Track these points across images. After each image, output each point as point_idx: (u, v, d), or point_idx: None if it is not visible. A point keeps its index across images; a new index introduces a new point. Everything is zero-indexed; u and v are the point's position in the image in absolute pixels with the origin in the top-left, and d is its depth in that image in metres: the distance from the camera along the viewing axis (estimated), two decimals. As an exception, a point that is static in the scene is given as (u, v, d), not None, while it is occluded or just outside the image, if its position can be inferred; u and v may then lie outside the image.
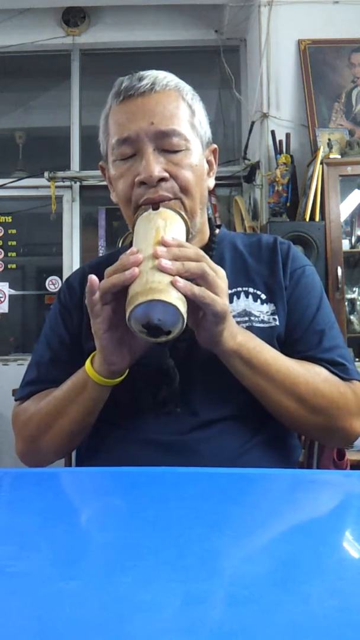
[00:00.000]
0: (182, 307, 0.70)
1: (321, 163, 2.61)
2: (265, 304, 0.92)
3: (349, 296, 2.78)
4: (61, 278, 3.50)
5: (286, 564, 0.47)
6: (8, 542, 0.52)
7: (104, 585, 0.43)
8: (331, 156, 2.66)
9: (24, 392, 0.97)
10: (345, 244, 2.75)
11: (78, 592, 0.42)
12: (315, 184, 2.59)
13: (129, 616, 0.39)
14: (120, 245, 3.45)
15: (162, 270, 0.71)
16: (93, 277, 0.77)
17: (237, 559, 0.50)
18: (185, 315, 0.71)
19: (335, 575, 0.46)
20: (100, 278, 0.81)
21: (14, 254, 3.52)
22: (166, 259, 0.72)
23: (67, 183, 3.45)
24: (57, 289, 3.47)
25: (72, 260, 3.46)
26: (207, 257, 0.76)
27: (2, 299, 3.43)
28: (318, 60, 2.94)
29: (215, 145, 0.97)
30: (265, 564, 0.48)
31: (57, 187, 3.38)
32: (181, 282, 0.71)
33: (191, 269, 0.73)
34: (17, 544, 0.52)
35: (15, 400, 0.99)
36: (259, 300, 0.92)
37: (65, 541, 0.52)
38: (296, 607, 0.40)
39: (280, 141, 2.83)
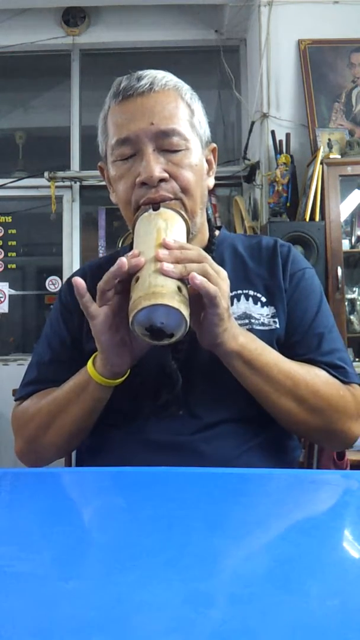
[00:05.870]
0: (185, 311, 0.70)
1: (321, 163, 2.61)
2: (265, 307, 0.92)
3: (349, 296, 2.78)
4: (61, 278, 3.50)
5: (286, 564, 0.47)
6: (8, 542, 0.52)
7: (104, 585, 0.43)
8: (331, 156, 2.66)
9: (24, 392, 0.97)
10: (345, 244, 2.75)
11: (78, 592, 0.42)
12: (315, 184, 2.59)
13: (129, 616, 0.39)
14: (120, 245, 3.45)
15: (164, 274, 0.71)
16: (77, 279, 0.77)
17: (237, 558, 0.50)
18: (188, 319, 0.71)
19: (335, 575, 0.46)
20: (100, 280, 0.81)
21: (14, 254, 3.52)
22: (168, 262, 0.72)
23: (67, 183, 3.44)
24: (57, 289, 3.49)
25: (72, 260, 3.46)
26: (209, 257, 0.76)
27: (2, 299, 3.43)
28: (318, 60, 2.94)
29: (214, 145, 0.97)
30: (265, 563, 0.48)
31: (57, 187, 3.38)
32: (175, 269, 0.71)
33: (193, 272, 0.72)
34: (17, 544, 0.52)
35: (15, 400, 0.98)
36: (259, 303, 0.92)
37: (65, 541, 0.52)
38: (296, 607, 0.40)
39: (280, 141, 2.83)
